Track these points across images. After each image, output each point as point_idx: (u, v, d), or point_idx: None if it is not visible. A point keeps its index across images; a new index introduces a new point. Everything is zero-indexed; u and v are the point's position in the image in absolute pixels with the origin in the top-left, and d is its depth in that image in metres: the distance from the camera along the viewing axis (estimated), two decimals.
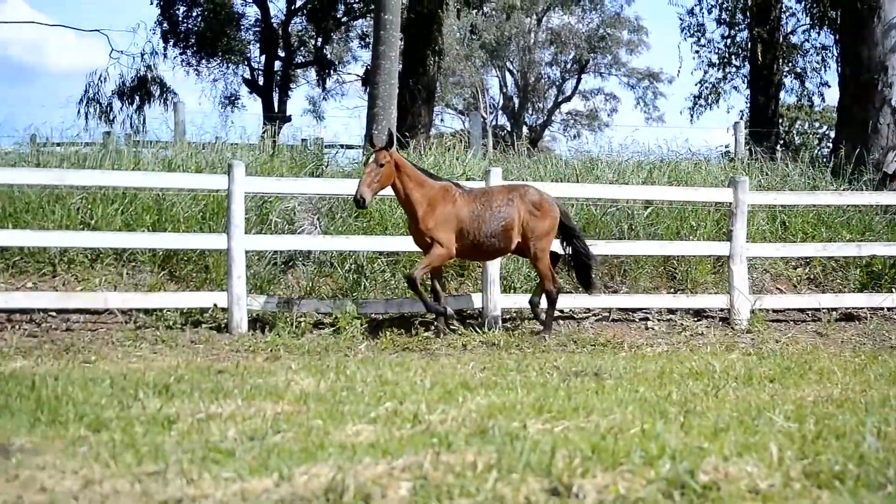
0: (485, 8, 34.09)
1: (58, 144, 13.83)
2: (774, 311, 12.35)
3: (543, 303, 10.69)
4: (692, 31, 26.37)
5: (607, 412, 5.80)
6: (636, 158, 14.89)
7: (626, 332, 11.41)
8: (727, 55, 26.11)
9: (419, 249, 10.54)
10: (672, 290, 12.44)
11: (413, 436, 5.16)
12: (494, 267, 11.06)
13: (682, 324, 11.80)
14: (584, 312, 11.77)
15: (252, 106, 33.86)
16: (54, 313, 10.51)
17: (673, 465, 4.31)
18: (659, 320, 11.81)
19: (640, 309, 11.92)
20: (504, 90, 50.42)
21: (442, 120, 45.17)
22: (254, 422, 5.57)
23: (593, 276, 10.80)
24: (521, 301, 11.24)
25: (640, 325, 11.76)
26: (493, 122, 47.12)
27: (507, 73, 50.15)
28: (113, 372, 7.49)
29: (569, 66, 49.73)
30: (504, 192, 10.29)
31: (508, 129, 46.70)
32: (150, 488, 4.24)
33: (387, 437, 5.13)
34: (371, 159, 9.79)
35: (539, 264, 10.35)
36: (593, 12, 48.47)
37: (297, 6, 32.28)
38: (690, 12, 26.20)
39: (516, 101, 49.81)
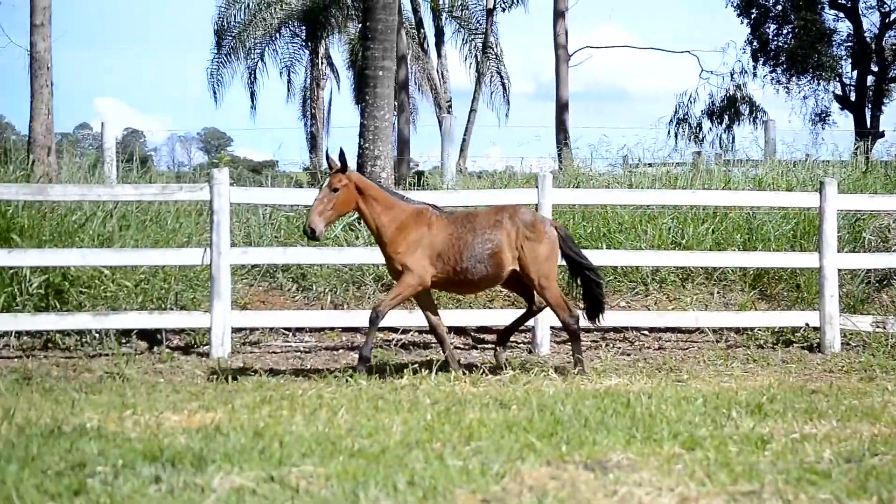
0: None
1: (649, 165, 14.35)
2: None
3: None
4: None
5: None
6: None
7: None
8: None
9: None
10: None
11: None
12: None
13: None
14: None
15: (843, 122, 32.50)
16: (647, 332, 10.91)
17: None
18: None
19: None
20: None
21: None
22: (850, 443, 5.36)
23: (604, 305, 9.30)
24: None
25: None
26: None
27: None
28: (705, 391, 7.55)
29: None
30: (491, 214, 8.92)
31: None
32: None
33: None
34: (324, 184, 8.66)
35: (546, 294, 8.85)
36: None
37: (891, 19, 30.47)
38: None
39: None
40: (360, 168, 12.31)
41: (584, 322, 9.17)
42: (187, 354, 10.16)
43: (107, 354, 9.85)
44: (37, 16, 12.98)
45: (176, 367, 9.65)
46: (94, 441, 5.25)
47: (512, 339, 9.70)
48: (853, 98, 31.29)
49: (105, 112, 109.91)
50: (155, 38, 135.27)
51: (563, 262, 9.04)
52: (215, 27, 31.11)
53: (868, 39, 30.73)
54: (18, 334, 9.86)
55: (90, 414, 6.07)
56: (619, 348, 10.64)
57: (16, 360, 9.56)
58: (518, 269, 8.70)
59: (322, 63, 32.75)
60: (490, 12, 28.79)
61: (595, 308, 9.10)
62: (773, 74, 30.98)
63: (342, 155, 8.64)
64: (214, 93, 31.36)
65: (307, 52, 32.48)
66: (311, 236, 8.46)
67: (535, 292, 8.93)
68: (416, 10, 29.19)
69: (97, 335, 10.10)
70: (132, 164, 13.57)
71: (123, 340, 10.13)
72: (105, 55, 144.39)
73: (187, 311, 10.44)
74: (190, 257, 10.27)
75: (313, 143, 31.74)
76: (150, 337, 10.25)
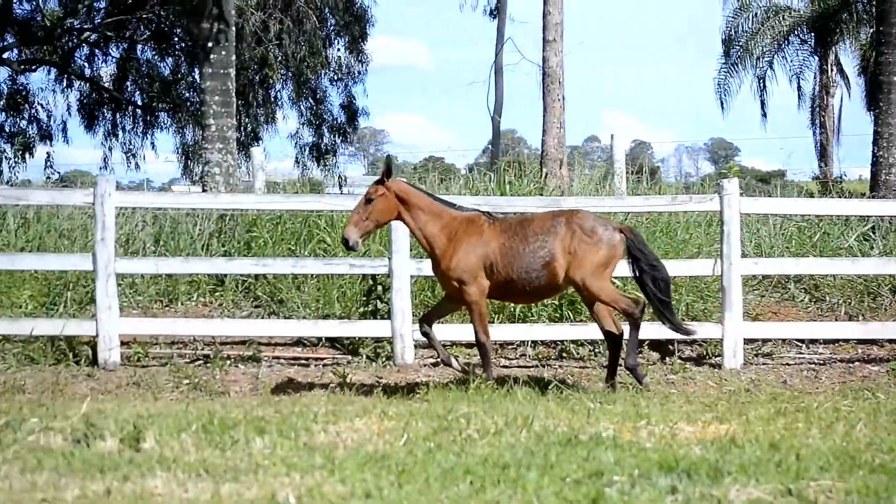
0: None
1: None
2: None
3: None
4: None
5: None
6: None
7: None
8: None
9: None
10: None
11: None
12: None
13: None
14: None
15: None
16: None
17: None
18: None
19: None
20: None
21: None
22: None
23: (671, 314, 8.43)
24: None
25: None
26: None
27: None
28: None
29: None
30: (546, 219, 8.30)
31: None
32: None
33: None
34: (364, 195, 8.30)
35: (599, 295, 8.18)
36: None
37: None
38: None
39: None
40: (875, 176, 11.71)
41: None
42: (699, 365, 10.06)
43: (619, 365, 10.01)
44: (549, 32, 13.65)
45: (688, 377, 9.60)
46: (610, 450, 5.30)
47: None
48: None
49: (613, 124, 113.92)
50: (659, 50, 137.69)
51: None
52: (723, 37, 30.89)
53: None
54: (534, 344, 10.32)
55: (605, 423, 6.15)
56: None
57: (532, 369, 10.01)
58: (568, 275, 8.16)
59: (831, 70, 31.34)
60: None
61: (662, 310, 8.38)
62: None
63: (388, 162, 8.50)
64: (721, 102, 31.12)
65: (816, 58, 31.21)
66: (346, 246, 8.27)
67: (587, 302, 8.45)
68: None
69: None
70: (641, 175, 13.79)
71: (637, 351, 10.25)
72: (612, 68, 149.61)
73: (698, 321, 10.33)
74: (700, 268, 10.21)
75: (822, 151, 30.44)
76: (662, 347, 10.27)
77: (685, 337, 8.85)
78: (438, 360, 8.93)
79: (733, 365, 9.78)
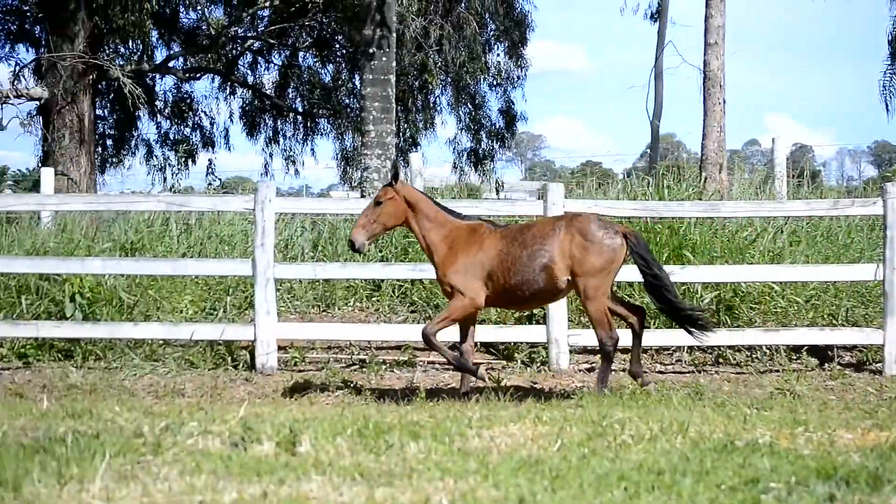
0: None
1: None
2: None
3: None
4: None
5: None
6: None
7: None
8: None
9: None
10: None
11: None
12: None
13: None
14: None
15: None
16: None
17: None
18: None
19: None
20: None
21: None
22: None
23: (692, 317, 8.33)
24: None
25: None
26: None
27: None
28: None
29: None
30: (547, 224, 8.40)
31: None
32: None
33: None
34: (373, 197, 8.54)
35: (590, 305, 8.16)
36: None
37: None
38: None
39: None
40: None
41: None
42: (859, 371, 9.83)
43: (777, 370, 9.88)
44: (710, 35, 13.51)
45: (847, 384, 9.41)
46: (766, 457, 5.26)
47: None
48: None
49: (774, 128, 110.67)
50: (819, 52, 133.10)
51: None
52: (889, 38, 29.66)
53: None
54: (690, 349, 10.24)
55: (762, 430, 6.08)
56: None
57: (688, 374, 9.96)
58: (570, 278, 8.10)
59: None
60: None
61: (683, 319, 8.29)
62: None
63: (395, 166, 8.60)
64: (887, 105, 29.88)
65: None
66: (352, 248, 8.35)
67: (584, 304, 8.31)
68: None
69: (767, 351, 10.17)
70: (801, 179, 13.48)
71: (793, 356, 10.08)
72: (771, 70, 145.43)
73: (858, 327, 10.09)
74: (862, 273, 9.97)
75: None
76: (821, 353, 10.07)
77: (702, 340, 8.49)
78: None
79: (894, 371, 9.54)
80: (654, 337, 9.82)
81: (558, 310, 9.82)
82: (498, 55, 24.97)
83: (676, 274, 9.75)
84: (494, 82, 24.96)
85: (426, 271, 10.31)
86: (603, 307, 8.17)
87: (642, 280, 8.40)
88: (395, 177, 8.40)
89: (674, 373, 10.03)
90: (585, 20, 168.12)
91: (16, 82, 20.68)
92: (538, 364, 10.08)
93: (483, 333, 10.05)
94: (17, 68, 21.49)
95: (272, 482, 4.69)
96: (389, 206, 8.34)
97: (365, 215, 8.37)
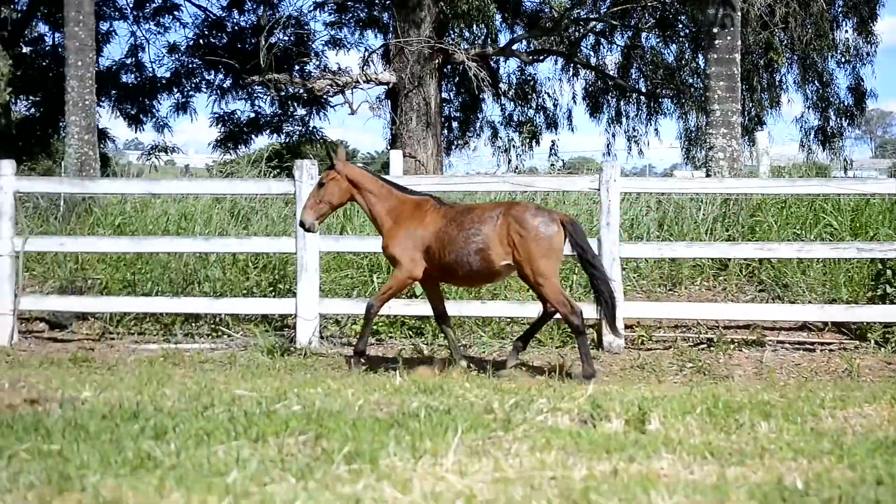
0: None
1: None
2: None
3: None
4: None
5: None
6: None
7: None
8: None
9: None
10: None
11: None
12: None
13: None
14: None
15: None
16: None
17: None
18: None
19: None
20: None
21: None
22: None
23: (617, 313, 8.57)
24: None
25: None
26: None
27: None
28: None
29: None
30: (486, 209, 8.55)
31: None
32: None
33: None
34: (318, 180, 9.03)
35: (543, 290, 8.36)
36: None
37: None
38: None
39: None
40: None
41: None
42: None
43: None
44: None
45: None
46: None
47: None
48: None
49: None
50: None
51: None
52: None
53: None
54: None
55: None
56: None
57: None
58: (513, 264, 8.33)
59: None
60: None
61: (605, 311, 8.46)
62: None
63: (332, 149, 9.12)
64: None
65: None
66: (303, 228, 8.86)
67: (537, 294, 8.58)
68: None
69: None
70: None
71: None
72: None
73: None
74: None
75: None
76: None
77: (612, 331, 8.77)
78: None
79: None
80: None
81: None
82: (846, 31, 23.92)
83: None
84: (843, 59, 23.91)
85: (774, 250, 10.21)
86: (555, 287, 8.40)
87: (583, 267, 8.63)
88: (331, 158, 8.91)
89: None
90: None
91: (365, 67, 21.77)
92: (893, 344, 9.70)
93: (833, 313, 9.81)
94: (367, 54, 22.66)
95: (622, 459, 4.72)
96: (332, 186, 8.81)
97: (311, 197, 8.89)
